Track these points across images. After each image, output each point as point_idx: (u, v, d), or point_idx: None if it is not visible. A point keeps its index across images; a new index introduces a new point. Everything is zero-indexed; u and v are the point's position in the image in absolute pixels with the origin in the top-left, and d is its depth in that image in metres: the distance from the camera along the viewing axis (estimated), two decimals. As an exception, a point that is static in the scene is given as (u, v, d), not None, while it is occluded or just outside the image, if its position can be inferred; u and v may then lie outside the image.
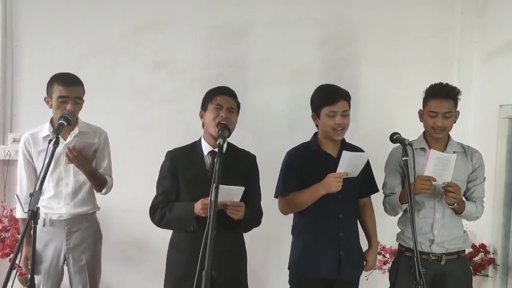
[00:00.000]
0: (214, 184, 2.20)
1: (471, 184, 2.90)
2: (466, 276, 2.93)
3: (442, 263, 2.82)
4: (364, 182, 2.92)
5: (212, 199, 2.19)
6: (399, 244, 2.98)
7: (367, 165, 2.86)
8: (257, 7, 3.94)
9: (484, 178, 2.94)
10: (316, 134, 2.96)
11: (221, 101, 2.66)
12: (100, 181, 2.99)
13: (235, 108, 2.71)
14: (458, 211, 2.82)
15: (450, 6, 3.97)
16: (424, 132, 2.94)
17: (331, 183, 2.67)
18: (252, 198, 2.70)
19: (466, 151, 2.91)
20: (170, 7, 3.95)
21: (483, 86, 3.81)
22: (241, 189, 2.45)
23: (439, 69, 3.88)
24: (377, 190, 3.03)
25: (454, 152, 2.84)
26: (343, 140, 2.94)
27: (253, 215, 2.70)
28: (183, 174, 2.68)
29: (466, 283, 2.91)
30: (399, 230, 3.02)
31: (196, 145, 2.76)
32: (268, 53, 3.96)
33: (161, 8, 3.95)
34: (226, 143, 2.63)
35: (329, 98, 2.82)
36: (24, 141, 2.96)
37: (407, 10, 3.94)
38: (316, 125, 2.93)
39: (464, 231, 2.96)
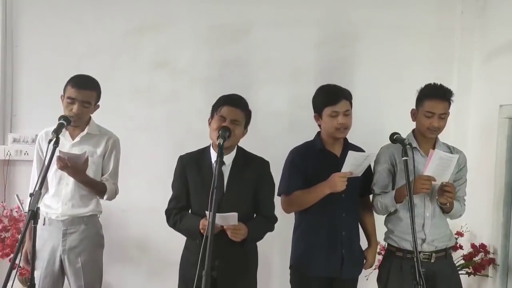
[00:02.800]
0: (214, 185, 2.23)
1: (456, 184, 2.90)
2: (455, 273, 2.95)
3: (432, 261, 2.83)
4: (364, 181, 2.92)
5: (212, 198, 2.22)
6: (388, 244, 2.97)
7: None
8: (257, 7, 3.94)
9: (466, 179, 2.96)
10: (319, 133, 2.97)
11: (225, 112, 2.63)
12: (96, 190, 2.95)
13: (241, 120, 2.66)
14: (448, 211, 2.85)
15: (450, 6, 3.96)
16: (413, 131, 2.95)
17: (337, 183, 2.69)
18: (263, 205, 2.73)
19: (452, 152, 2.91)
20: (170, 7, 3.95)
21: (483, 86, 3.81)
22: (235, 215, 2.47)
23: (439, 69, 3.87)
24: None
25: None
26: (346, 140, 2.95)
27: (260, 227, 2.72)
28: (191, 179, 2.71)
29: (455, 280, 2.92)
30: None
31: (206, 151, 2.76)
32: (268, 53, 3.95)
33: (161, 8, 3.96)
34: (236, 148, 2.72)
35: (330, 98, 2.82)
36: (39, 138, 2.99)
37: (407, 10, 3.94)
38: (319, 125, 2.93)
39: (450, 229, 2.97)
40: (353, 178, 2.75)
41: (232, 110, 2.64)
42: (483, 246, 3.57)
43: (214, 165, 2.64)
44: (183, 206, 2.74)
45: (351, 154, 2.66)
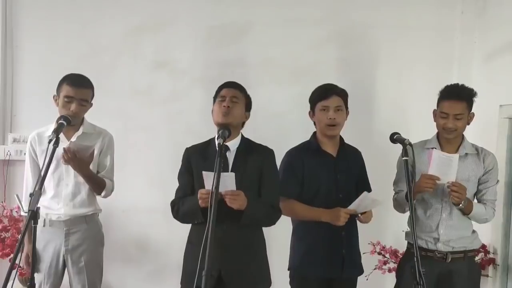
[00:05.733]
0: (213, 186, 2.23)
1: (483, 186, 2.89)
2: (473, 276, 2.91)
3: (448, 261, 2.82)
4: (359, 183, 2.95)
5: (212, 201, 2.21)
6: (408, 242, 2.99)
7: (362, 165, 2.94)
8: (257, 7, 3.94)
9: (498, 180, 2.94)
10: (315, 133, 2.98)
11: (224, 92, 2.71)
12: (98, 184, 2.97)
13: (241, 98, 2.71)
14: (466, 212, 2.82)
15: (450, 6, 3.96)
16: (438, 133, 2.94)
17: (340, 218, 2.74)
18: (266, 194, 2.68)
19: (479, 153, 2.90)
20: (170, 7, 3.95)
21: (483, 86, 3.78)
22: (231, 175, 2.44)
23: (439, 69, 3.88)
24: (369, 191, 3.01)
25: (466, 154, 2.84)
26: (342, 140, 2.97)
27: (261, 205, 2.64)
28: (196, 170, 2.70)
29: (473, 282, 2.90)
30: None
31: (211, 141, 2.77)
32: (268, 53, 3.95)
33: (161, 8, 3.96)
34: (241, 138, 2.73)
35: (322, 93, 2.89)
36: (31, 139, 2.98)
37: (407, 10, 3.94)
38: (314, 124, 2.96)
39: (474, 231, 2.93)
40: (350, 179, 2.80)
41: (231, 90, 2.71)
42: (483, 246, 3.56)
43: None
44: (189, 195, 2.70)
45: (364, 195, 2.70)
